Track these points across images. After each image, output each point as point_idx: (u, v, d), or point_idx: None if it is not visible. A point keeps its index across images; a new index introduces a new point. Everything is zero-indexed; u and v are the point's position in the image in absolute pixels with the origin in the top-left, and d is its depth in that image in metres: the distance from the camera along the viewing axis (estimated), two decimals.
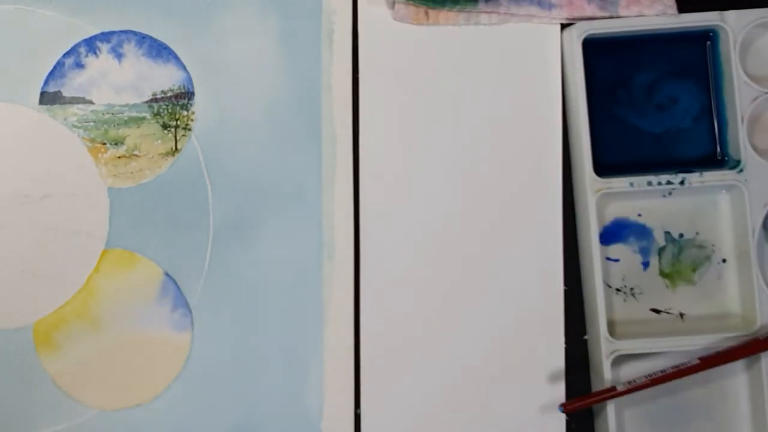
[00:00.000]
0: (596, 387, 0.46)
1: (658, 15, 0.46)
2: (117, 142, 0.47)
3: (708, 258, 0.47)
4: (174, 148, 0.47)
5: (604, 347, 0.45)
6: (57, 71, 0.47)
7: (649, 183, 0.45)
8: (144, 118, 0.47)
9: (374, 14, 0.47)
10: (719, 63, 0.46)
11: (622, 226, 0.47)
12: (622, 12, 0.46)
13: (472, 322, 0.47)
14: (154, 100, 0.47)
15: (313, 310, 0.47)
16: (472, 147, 0.47)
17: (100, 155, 0.47)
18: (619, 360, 0.45)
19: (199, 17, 0.47)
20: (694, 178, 0.45)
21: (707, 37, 0.47)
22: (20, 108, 0.47)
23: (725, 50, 0.46)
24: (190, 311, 0.46)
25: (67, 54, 0.47)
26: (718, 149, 0.47)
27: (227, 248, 0.47)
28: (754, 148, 0.45)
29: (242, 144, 0.47)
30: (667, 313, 0.47)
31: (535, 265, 0.47)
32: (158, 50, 0.47)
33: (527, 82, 0.47)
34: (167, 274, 0.46)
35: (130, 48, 0.47)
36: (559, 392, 0.46)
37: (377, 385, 0.47)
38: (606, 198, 0.46)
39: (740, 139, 0.45)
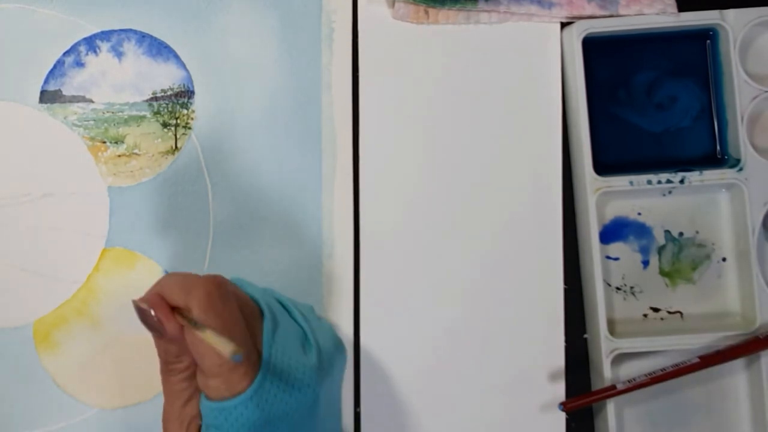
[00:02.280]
0: (596, 385, 0.46)
1: (658, 14, 0.46)
2: (117, 141, 0.47)
3: (708, 257, 0.47)
4: (174, 147, 0.47)
5: (604, 346, 0.45)
6: (57, 70, 0.47)
7: (649, 182, 0.45)
8: (144, 117, 0.47)
9: (374, 13, 0.47)
10: (719, 62, 0.46)
11: (622, 224, 0.47)
12: (622, 11, 0.46)
13: (473, 321, 0.47)
14: (154, 98, 0.47)
15: None
16: (472, 146, 0.47)
17: (100, 154, 0.47)
18: (619, 358, 0.45)
19: (199, 16, 0.47)
20: (693, 177, 0.45)
21: (707, 36, 0.47)
22: (20, 107, 0.47)
23: (725, 49, 0.46)
24: None
25: (67, 53, 0.47)
26: (718, 148, 0.47)
27: (227, 247, 0.47)
28: (754, 147, 0.45)
29: (242, 143, 0.47)
30: (667, 311, 0.47)
31: (536, 264, 0.47)
32: (158, 49, 0.47)
33: (527, 81, 0.47)
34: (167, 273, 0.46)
35: (130, 47, 0.47)
36: (559, 391, 0.46)
37: (377, 385, 0.47)
38: (606, 197, 0.46)
39: (740, 138, 0.45)
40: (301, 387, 0.35)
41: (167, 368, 0.35)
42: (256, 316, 0.36)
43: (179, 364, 0.35)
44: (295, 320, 0.39)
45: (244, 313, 0.35)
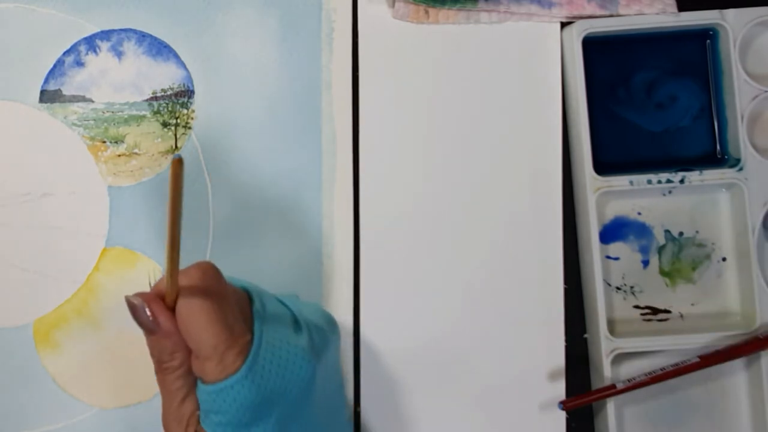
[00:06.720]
0: (596, 385, 0.46)
1: (657, 14, 0.46)
2: (117, 141, 0.47)
3: (708, 256, 0.47)
4: (174, 147, 0.47)
5: (604, 345, 0.45)
6: (57, 70, 0.47)
7: (649, 181, 0.45)
8: (144, 117, 0.47)
9: (374, 12, 0.47)
10: (719, 61, 0.46)
11: (622, 224, 0.47)
12: (622, 10, 0.46)
13: (473, 320, 0.47)
14: (154, 98, 0.47)
15: None
16: (472, 146, 0.47)
17: (100, 153, 0.47)
18: (619, 358, 0.45)
19: (199, 15, 0.47)
20: (693, 177, 0.45)
21: (707, 36, 0.47)
22: (20, 106, 0.47)
23: (725, 49, 0.46)
24: None
25: (67, 52, 0.47)
26: (718, 148, 0.47)
27: (227, 247, 0.47)
28: (754, 147, 0.45)
29: (242, 142, 0.47)
30: (667, 311, 0.47)
31: (536, 264, 0.47)
32: (158, 48, 0.47)
33: (527, 81, 0.47)
34: None
35: (130, 46, 0.47)
36: (559, 390, 0.46)
37: (377, 384, 0.47)
38: (606, 196, 0.46)
39: (740, 138, 0.45)
40: (295, 364, 0.35)
41: (161, 368, 0.36)
42: (245, 302, 0.37)
43: (173, 362, 0.35)
44: (283, 303, 0.39)
45: (234, 297, 0.36)
